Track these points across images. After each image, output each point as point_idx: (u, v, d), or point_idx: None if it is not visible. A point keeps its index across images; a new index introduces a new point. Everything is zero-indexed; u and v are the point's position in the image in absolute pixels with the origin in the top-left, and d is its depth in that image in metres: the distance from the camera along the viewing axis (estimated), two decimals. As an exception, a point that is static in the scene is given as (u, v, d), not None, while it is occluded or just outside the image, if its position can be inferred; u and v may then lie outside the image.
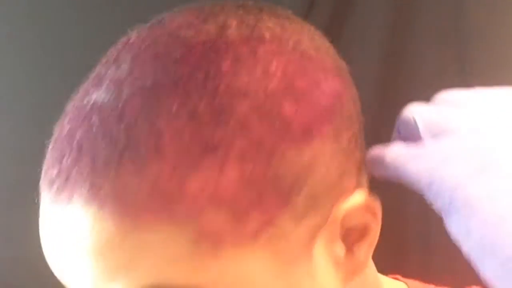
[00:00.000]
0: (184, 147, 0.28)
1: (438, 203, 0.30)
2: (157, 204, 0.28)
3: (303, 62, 0.31)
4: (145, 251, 0.28)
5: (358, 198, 0.32)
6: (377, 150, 0.33)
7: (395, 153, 0.32)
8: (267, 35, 0.31)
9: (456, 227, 0.29)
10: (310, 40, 0.33)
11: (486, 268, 0.28)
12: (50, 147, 0.33)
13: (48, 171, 0.32)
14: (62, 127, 0.32)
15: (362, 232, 0.32)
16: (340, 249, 0.32)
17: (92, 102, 0.31)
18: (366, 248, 0.33)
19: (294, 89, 0.30)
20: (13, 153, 0.80)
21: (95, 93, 0.31)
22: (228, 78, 0.29)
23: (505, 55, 0.71)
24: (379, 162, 0.33)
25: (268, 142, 0.29)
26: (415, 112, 0.33)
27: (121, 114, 0.29)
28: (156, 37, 0.32)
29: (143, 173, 0.28)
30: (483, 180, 0.29)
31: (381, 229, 0.33)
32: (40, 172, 0.33)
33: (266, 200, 0.29)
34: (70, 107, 0.33)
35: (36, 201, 0.34)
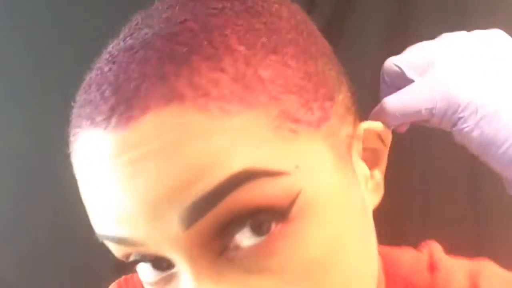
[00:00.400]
0: (250, 47, 0.31)
1: (444, 120, 0.38)
2: (239, 91, 0.30)
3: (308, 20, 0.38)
4: (234, 135, 0.29)
5: (374, 124, 0.38)
6: (376, 107, 0.40)
7: (394, 99, 0.39)
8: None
9: (463, 132, 0.37)
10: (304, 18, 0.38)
11: (492, 160, 0.37)
12: (86, 88, 0.32)
13: (99, 106, 0.30)
14: (97, 74, 0.32)
15: (375, 157, 0.38)
16: (365, 167, 0.37)
17: (141, 37, 0.32)
18: (379, 175, 0.38)
19: (311, 27, 0.37)
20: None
21: (142, 31, 0.32)
22: (264, 4, 0.34)
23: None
24: (383, 112, 0.39)
25: (310, 50, 0.34)
26: (395, 60, 0.41)
27: (183, 30, 0.31)
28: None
29: (218, 66, 0.30)
30: (476, 87, 0.36)
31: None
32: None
33: (321, 93, 0.33)
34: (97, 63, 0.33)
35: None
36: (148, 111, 0.29)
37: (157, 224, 0.30)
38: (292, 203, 0.30)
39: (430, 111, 0.37)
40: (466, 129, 0.36)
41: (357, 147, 0.36)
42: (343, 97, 0.35)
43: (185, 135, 0.28)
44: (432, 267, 0.43)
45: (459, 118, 0.37)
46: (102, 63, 0.33)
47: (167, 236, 0.30)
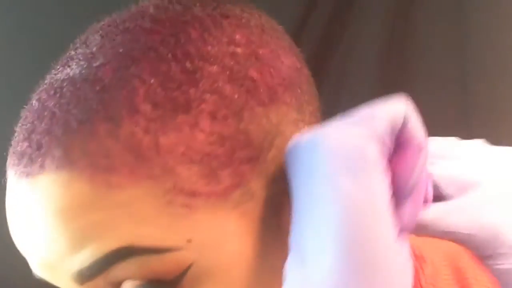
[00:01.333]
0: (158, 106, 0.29)
1: (480, 250, 0.35)
2: (130, 162, 0.28)
3: (264, 36, 0.32)
4: (117, 211, 0.28)
5: None
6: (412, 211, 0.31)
7: (434, 212, 0.36)
8: (230, 13, 0.32)
9: (501, 269, 0.35)
10: (268, 22, 0.34)
11: None
12: (19, 125, 0.33)
13: (18, 146, 0.31)
14: (31, 105, 0.32)
15: None
16: None
17: (63, 76, 0.31)
18: None
19: (258, 56, 0.31)
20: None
21: (66, 69, 0.32)
22: (198, 44, 0.30)
23: (506, 59, 0.71)
24: (420, 223, 0.35)
25: (238, 101, 0.30)
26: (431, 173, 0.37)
27: (94, 80, 0.30)
28: (124, 18, 0.32)
29: (116, 132, 0.28)
30: None
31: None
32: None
33: (238, 157, 0.30)
34: (39, 88, 0.33)
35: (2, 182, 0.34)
36: (43, 172, 0.29)
37: (57, 278, 0.30)
38: (181, 276, 0.29)
39: (468, 236, 0.36)
40: (505, 266, 0.35)
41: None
42: (285, 147, 0.31)
43: (69, 206, 0.28)
44: (418, 257, 0.39)
45: (500, 254, 0.35)
46: (32, 98, 0.33)
47: (68, 286, 0.30)
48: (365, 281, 0.27)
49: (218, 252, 0.29)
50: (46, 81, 0.33)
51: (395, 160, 0.29)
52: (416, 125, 0.29)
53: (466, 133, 0.65)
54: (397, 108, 0.29)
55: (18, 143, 0.32)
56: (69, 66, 0.32)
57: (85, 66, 0.31)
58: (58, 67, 0.33)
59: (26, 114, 0.32)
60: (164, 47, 0.30)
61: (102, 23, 0.33)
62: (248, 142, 0.30)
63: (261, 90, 0.31)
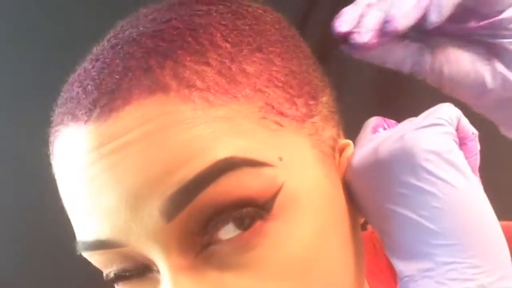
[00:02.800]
0: (235, 45, 0.31)
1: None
2: (224, 84, 0.30)
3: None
4: (219, 125, 0.29)
5: (352, 147, 0.36)
6: None
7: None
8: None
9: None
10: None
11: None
12: (68, 87, 0.32)
13: (82, 96, 0.30)
14: (84, 68, 0.32)
15: None
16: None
17: (126, 36, 0.32)
18: None
19: (294, 33, 0.36)
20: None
21: (125, 33, 0.32)
22: (252, 10, 0.34)
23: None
24: None
25: (296, 52, 0.34)
26: None
27: (166, 29, 0.31)
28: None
29: (203, 60, 0.30)
30: None
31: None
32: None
33: (306, 91, 0.33)
34: (84, 63, 0.33)
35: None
36: (131, 102, 0.29)
37: (137, 218, 0.29)
38: (275, 196, 0.30)
39: None
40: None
41: (337, 156, 0.36)
42: (326, 99, 0.35)
43: (168, 124, 0.28)
44: None
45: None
46: (85, 63, 0.33)
47: (148, 230, 0.29)
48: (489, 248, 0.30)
49: (302, 175, 0.31)
50: (94, 54, 0.33)
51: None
52: (465, 120, 0.33)
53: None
54: (451, 110, 0.32)
55: (79, 95, 0.31)
56: (129, 29, 0.32)
57: (151, 25, 0.32)
58: (108, 38, 0.33)
59: (80, 74, 0.32)
60: (222, 8, 0.33)
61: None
62: (310, 82, 0.34)
63: (306, 50, 0.36)
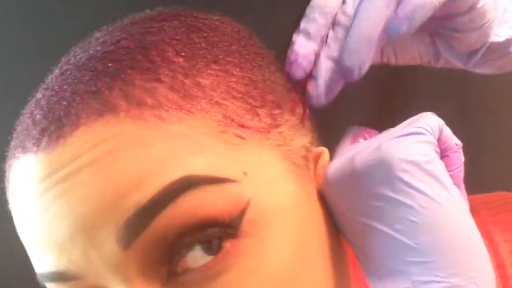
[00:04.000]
0: (189, 59, 0.30)
1: None
2: (177, 100, 0.28)
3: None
4: (174, 143, 0.27)
5: (327, 155, 0.35)
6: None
7: None
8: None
9: None
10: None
11: None
12: (24, 116, 0.31)
13: (32, 126, 0.30)
14: (36, 99, 0.31)
15: None
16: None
17: (75, 60, 0.31)
18: None
19: (256, 41, 0.36)
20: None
21: (73, 58, 0.32)
22: (209, 23, 0.33)
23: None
24: None
25: (257, 60, 0.33)
26: None
27: (117, 49, 0.30)
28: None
29: (154, 77, 0.28)
30: None
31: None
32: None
33: (269, 100, 0.32)
34: (38, 91, 0.32)
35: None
36: (79, 126, 0.27)
37: (94, 246, 0.27)
38: (242, 212, 0.28)
39: None
40: None
41: (311, 166, 0.34)
42: (296, 107, 0.34)
43: (119, 145, 0.27)
44: None
45: None
46: (37, 93, 0.32)
47: (105, 259, 0.27)
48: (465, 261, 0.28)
49: (272, 189, 0.30)
50: (48, 79, 0.32)
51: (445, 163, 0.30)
52: (448, 130, 0.31)
53: (465, 132, 0.66)
54: (432, 120, 0.31)
55: (29, 126, 0.30)
56: (80, 54, 0.32)
57: (101, 47, 0.31)
58: (60, 65, 0.32)
59: (31, 105, 0.31)
60: (176, 23, 0.32)
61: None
62: (274, 89, 0.33)
63: (270, 57, 0.35)
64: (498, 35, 0.36)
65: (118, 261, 0.27)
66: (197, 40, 0.31)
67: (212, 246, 0.28)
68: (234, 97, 0.30)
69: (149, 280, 0.28)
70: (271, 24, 0.37)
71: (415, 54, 0.38)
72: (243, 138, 0.29)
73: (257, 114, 0.31)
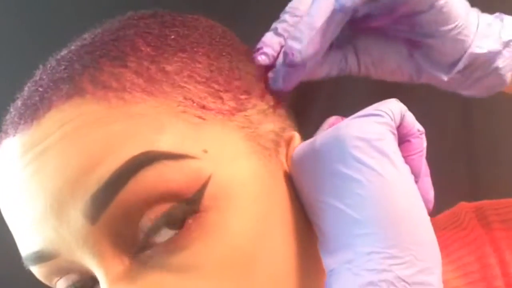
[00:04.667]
0: (157, 48, 0.31)
1: None
2: (141, 84, 0.30)
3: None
4: (134, 121, 0.29)
5: (298, 139, 0.36)
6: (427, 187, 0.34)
7: None
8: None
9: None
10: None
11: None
12: (10, 112, 0.33)
13: (14, 113, 0.32)
14: (21, 93, 0.33)
15: None
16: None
17: (52, 60, 0.33)
18: None
19: (230, 37, 0.37)
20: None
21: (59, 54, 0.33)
22: (183, 20, 0.35)
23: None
24: None
25: (227, 51, 0.34)
26: None
27: (92, 43, 0.32)
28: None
29: (123, 65, 0.30)
30: None
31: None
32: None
33: (236, 86, 0.33)
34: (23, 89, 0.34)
35: None
36: (51, 108, 0.29)
37: (64, 223, 0.28)
38: (202, 188, 0.29)
39: None
40: None
41: (282, 150, 0.35)
42: (266, 94, 0.35)
43: (83, 124, 0.28)
44: None
45: None
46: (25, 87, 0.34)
47: (75, 234, 0.28)
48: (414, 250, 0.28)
49: (233, 166, 0.31)
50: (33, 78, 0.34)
51: (402, 149, 0.31)
52: (411, 116, 0.32)
53: (465, 132, 0.65)
54: (394, 105, 0.31)
55: (11, 114, 0.32)
56: (64, 51, 0.34)
57: (80, 43, 0.33)
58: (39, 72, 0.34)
59: (17, 100, 0.33)
60: (152, 21, 0.34)
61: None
62: (241, 76, 0.34)
63: (244, 50, 0.36)
64: (479, 46, 0.37)
65: (87, 236, 0.28)
66: (168, 33, 0.33)
67: (176, 221, 0.29)
68: (197, 81, 0.31)
69: (118, 254, 0.29)
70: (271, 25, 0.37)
71: (394, 67, 0.39)
72: (203, 119, 0.30)
73: (220, 98, 0.32)
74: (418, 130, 0.32)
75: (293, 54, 0.33)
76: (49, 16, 0.74)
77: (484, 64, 0.37)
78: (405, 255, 0.28)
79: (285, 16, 0.36)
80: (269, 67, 0.36)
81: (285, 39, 0.35)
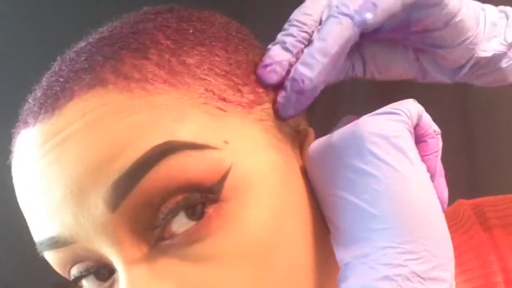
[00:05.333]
0: (177, 42, 0.32)
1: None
2: (163, 75, 0.30)
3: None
4: (156, 111, 0.29)
5: (312, 134, 0.36)
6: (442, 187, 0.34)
7: None
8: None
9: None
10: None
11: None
12: (28, 102, 0.33)
13: (34, 103, 0.32)
14: (39, 85, 0.33)
15: None
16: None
17: (78, 47, 0.33)
18: None
19: (245, 32, 0.37)
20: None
21: (71, 53, 0.33)
22: (199, 15, 0.35)
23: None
24: None
25: (244, 45, 0.34)
26: None
27: (111, 35, 0.32)
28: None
29: (143, 55, 0.30)
30: None
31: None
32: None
33: (254, 79, 0.33)
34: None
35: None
36: (72, 98, 0.29)
37: (83, 210, 0.29)
38: (223, 178, 0.29)
39: None
40: None
41: (298, 145, 0.35)
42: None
43: (106, 114, 0.28)
44: None
45: None
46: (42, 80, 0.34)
47: (95, 221, 0.29)
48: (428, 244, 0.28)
49: (253, 158, 0.31)
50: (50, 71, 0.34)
51: (419, 149, 0.31)
52: (428, 117, 0.33)
53: (465, 133, 0.66)
54: (412, 105, 0.32)
55: (30, 104, 0.32)
56: (78, 45, 0.34)
57: (99, 35, 0.33)
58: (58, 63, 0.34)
59: (36, 91, 0.33)
60: (169, 16, 0.34)
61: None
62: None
63: (259, 45, 0.36)
64: (485, 50, 0.37)
65: (106, 224, 0.29)
66: (186, 27, 0.33)
67: (196, 212, 0.29)
68: (217, 74, 0.31)
69: (136, 243, 0.29)
70: (272, 26, 0.37)
71: (400, 70, 0.39)
72: (224, 110, 0.31)
73: (239, 91, 0.32)
74: (434, 131, 0.33)
75: (303, 81, 0.32)
76: (49, 16, 0.74)
77: (488, 64, 0.38)
78: (420, 250, 0.28)
79: (291, 29, 0.34)
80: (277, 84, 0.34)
81: (293, 57, 0.33)
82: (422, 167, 0.31)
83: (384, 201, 0.29)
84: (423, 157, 0.32)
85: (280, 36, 0.34)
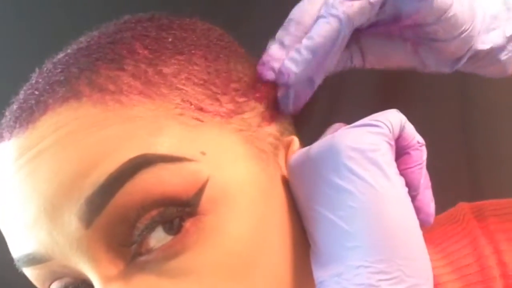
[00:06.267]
0: (154, 51, 0.31)
1: None
2: (138, 86, 0.29)
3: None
4: (131, 124, 0.28)
5: (297, 143, 0.35)
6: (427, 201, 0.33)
7: None
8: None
9: None
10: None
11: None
12: (6, 115, 0.33)
13: (9, 117, 0.31)
14: (17, 98, 0.33)
15: None
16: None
17: (48, 64, 0.33)
18: None
19: (227, 40, 0.37)
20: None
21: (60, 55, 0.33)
22: (180, 23, 0.35)
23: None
24: None
25: (225, 53, 0.34)
26: None
27: (88, 46, 0.32)
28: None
29: (118, 67, 0.30)
30: None
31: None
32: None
33: (233, 88, 0.33)
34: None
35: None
36: (46, 112, 0.29)
37: (58, 226, 0.28)
38: (200, 192, 0.29)
39: None
40: None
41: (281, 154, 0.35)
42: (265, 97, 0.35)
43: (79, 128, 0.28)
44: None
45: None
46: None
47: (69, 238, 0.28)
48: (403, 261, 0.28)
49: (231, 169, 0.30)
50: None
51: (401, 162, 0.31)
52: (411, 128, 0.31)
53: (465, 132, 0.66)
54: (394, 115, 0.31)
55: (7, 118, 0.32)
56: (57, 56, 0.33)
57: (77, 46, 0.33)
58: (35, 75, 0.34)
59: (13, 104, 0.33)
60: (149, 24, 0.33)
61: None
62: (239, 79, 0.34)
63: (241, 53, 0.36)
64: (484, 42, 0.37)
65: (81, 240, 0.28)
66: (165, 36, 0.33)
67: (173, 226, 0.28)
68: (195, 83, 0.31)
69: (113, 259, 0.29)
70: (274, 23, 0.37)
71: (399, 62, 0.39)
72: (201, 121, 0.30)
73: (218, 100, 0.32)
74: (418, 142, 0.32)
75: (288, 75, 0.33)
76: (49, 17, 0.74)
77: (487, 56, 0.38)
78: (394, 270, 0.28)
79: (290, 27, 0.35)
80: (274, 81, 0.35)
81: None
82: (399, 182, 0.30)
83: (358, 219, 0.28)
84: (406, 169, 0.31)
85: (279, 35, 0.35)
